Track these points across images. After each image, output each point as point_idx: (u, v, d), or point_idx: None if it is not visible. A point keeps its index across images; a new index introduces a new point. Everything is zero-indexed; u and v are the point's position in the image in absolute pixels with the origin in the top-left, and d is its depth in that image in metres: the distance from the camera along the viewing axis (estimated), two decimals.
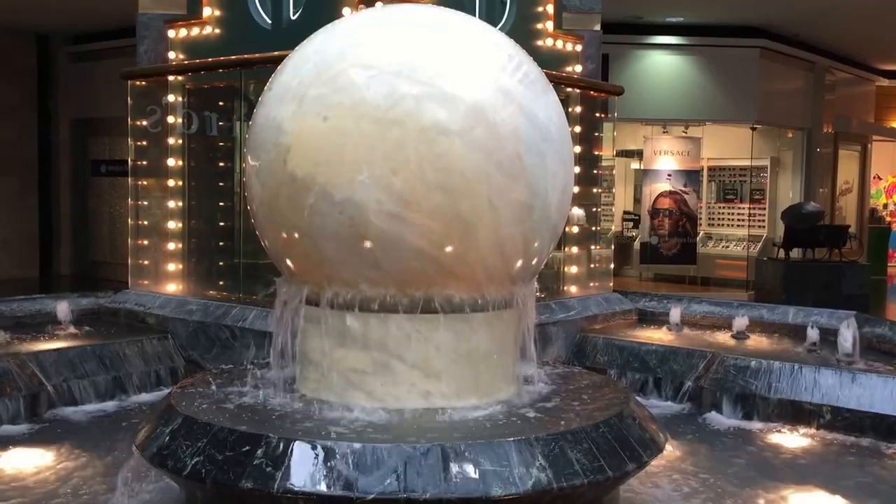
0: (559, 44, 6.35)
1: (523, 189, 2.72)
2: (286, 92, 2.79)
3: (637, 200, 14.61)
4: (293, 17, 5.35)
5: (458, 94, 2.64)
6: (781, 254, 11.63)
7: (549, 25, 6.29)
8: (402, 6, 2.96)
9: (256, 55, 5.20)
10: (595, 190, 6.72)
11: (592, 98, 6.55)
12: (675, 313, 5.97)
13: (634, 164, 14.78)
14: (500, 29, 3.24)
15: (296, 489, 2.35)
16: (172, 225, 5.91)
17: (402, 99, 2.61)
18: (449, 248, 2.67)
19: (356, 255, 2.70)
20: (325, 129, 2.65)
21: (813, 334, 5.27)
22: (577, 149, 5.86)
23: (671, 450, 3.70)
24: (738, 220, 14.12)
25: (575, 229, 6.41)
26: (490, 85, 2.71)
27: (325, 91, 2.68)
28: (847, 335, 4.81)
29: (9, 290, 8.40)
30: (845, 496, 3.44)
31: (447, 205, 2.63)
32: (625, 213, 14.95)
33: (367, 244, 2.66)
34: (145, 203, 6.12)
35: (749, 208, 13.99)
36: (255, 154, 2.88)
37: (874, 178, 18.32)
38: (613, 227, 13.69)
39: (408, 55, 2.70)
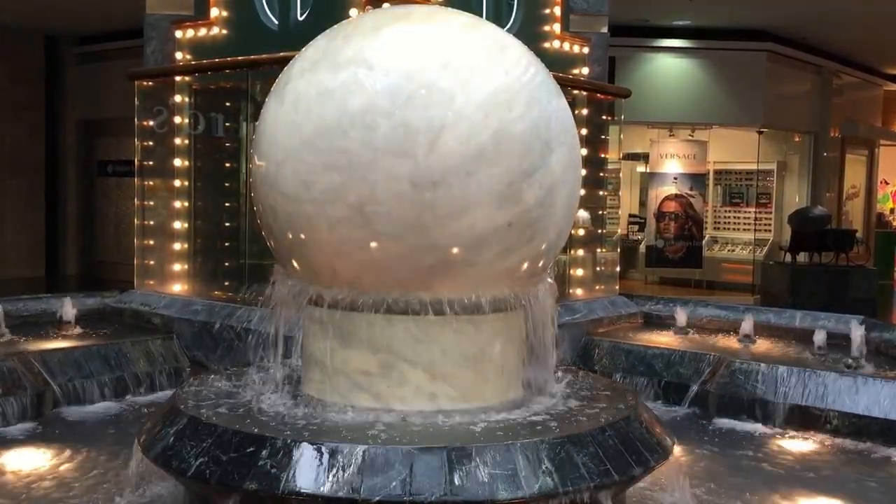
0: (566, 46, 6.34)
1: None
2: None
3: (643, 203, 14.59)
4: (300, 18, 5.35)
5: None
6: (788, 258, 11.60)
7: (556, 27, 6.28)
8: None
9: (263, 56, 5.19)
10: (601, 193, 6.71)
11: (599, 100, 6.54)
12: (682, 317, 5.95)
13: (640, 167, 14.77)
14: (507, 30, 3.19)
15: (300, 491, 2.34)
16: (178, 225, 5.90)
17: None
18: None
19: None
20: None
21: (820, 338, 5.24)
22: (584, 151, 5.83)
23: (677, 454, 3.68)
24: (745, 223, 14.09)
25: (581, 232, 6.39)
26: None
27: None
28: (855, 339, 4.79)
29: (15, 290, 8.41)
30: (853, 502, 3.42)
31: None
32: (630, 216, 14.93)
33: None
34: (151, 203, 6.12)
35: (755, 212, 13.95)
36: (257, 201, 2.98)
37: (881, 182, 18.28)
38: (619, 230, 13.73)
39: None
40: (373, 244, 2.64)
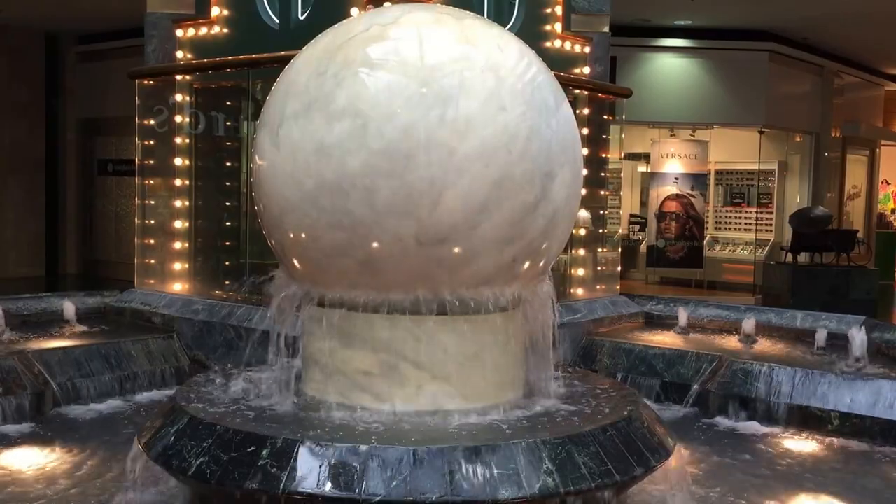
0: (567, 45, 6.34)
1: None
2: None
3: (644, 203, 14.57)
4: (301, 17, 5.35)
5: None
6: (789, 258, 11.59)
7: (558, 27, 6.28)
8: None
9: (264, 55, 5.19)
10: (602, 192, 6.70)
11: (600, 100, 6.53)
12: (683, 317, 5.94)
13: (641, 167, 14.75)
14: (508, 30, 3.17)
15: (301, 490, 2.33)
16: (179, 224, 5.90)
17: None
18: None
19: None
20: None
21: (821, 339, 5.24)
22: (585, 151, 5.83)
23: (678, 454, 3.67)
24: (746, 223, 14.08)
25: (581, 232, 6.38)
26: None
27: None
28: (857, 340, 4.78)
29: (15, 289, 8.41)
30: (855, 503, 3.41)
31: None
32: (631, 216, 14.91)
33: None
34: (152, 202, 6.11)
35: (756, 212, 13.94)
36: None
37: (882, 182, 18.26)
38: (620, 230, 13.72)
39: None
40: (382, 290, 2.69)
